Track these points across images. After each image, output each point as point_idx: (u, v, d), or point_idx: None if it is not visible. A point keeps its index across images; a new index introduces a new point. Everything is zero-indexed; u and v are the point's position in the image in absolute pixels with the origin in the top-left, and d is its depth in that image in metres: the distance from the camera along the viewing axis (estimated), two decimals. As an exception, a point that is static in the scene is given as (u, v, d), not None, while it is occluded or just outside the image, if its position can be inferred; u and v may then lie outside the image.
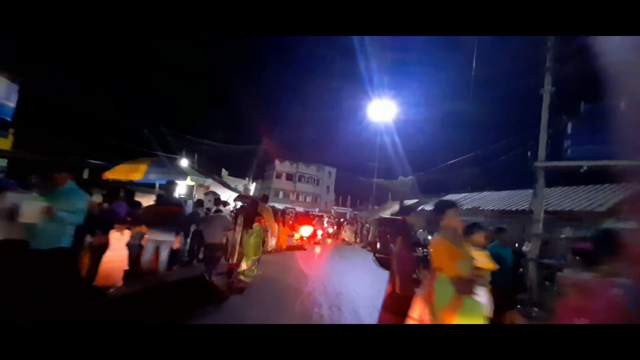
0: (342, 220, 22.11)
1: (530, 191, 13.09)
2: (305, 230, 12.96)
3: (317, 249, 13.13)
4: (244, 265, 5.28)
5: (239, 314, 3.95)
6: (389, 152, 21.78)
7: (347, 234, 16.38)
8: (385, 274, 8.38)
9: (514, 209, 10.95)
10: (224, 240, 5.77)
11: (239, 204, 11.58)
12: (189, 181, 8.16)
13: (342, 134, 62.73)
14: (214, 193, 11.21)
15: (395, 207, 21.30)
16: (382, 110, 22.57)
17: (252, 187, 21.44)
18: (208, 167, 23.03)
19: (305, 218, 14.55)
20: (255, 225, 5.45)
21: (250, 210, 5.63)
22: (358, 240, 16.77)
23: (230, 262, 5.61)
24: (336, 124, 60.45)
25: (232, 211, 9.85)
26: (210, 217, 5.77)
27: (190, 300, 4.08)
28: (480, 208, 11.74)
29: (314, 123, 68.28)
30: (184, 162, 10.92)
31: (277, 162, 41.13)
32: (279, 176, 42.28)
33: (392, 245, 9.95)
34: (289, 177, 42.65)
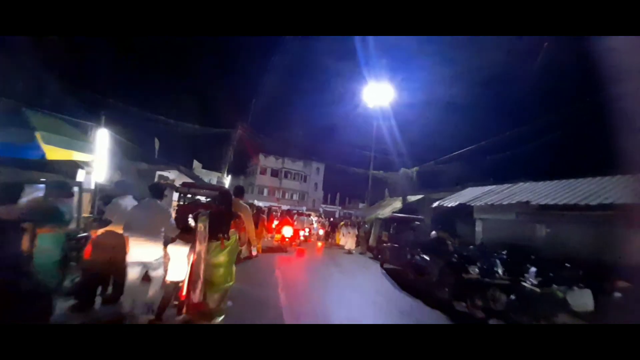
0: (332, 219, 18.87)
1: (580, 180, 10.46)
2: (287, 231, 10.65)
3: (305, 256, 9.93)
4: (210, 302, 3.29)
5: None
6: (386, 141, 18.83)
7: (346, 238, 12.56)
8: (416, 305, 5.19)
9: (571, 202, 8.13)
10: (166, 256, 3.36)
11: (201, 198, 8.31)
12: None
13: (332, 122, 59.12)
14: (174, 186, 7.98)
15: (396, 204, 18.35)
16: (378, 93, 19.64)
17: (228, 180, 18.00)
18: (174, 156, 19.44)
19: (286, 217, 11.87)
20: (232, 232, 3.52)
21: (221, 210, 3.52)
22: (354, 244, 12.94)
23: (187, 297, 3.24)
24: (326, 109, 56.30)
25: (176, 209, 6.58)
26: (142, 206, 3.28)
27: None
28: (531, 202, 8.85)
29: (301, 109, 63.74)
30: (102, 133, 7.18)
31: (261, 156, 38.58)
32: (263, 172, 39.83)
33: (418, 256, 6.86)
34: (274, 173, 40.27)
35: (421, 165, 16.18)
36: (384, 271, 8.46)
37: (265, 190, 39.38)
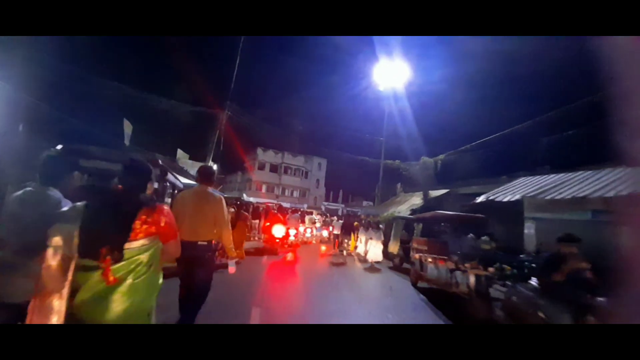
0: (342, 217, 15.74)
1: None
2: (278, 230, 8.83)
3: (303, 273, 7.10)
4: None
5: None
6: (399, 128, 15.97)
7: (371, 245, 8.88)
8: None
9: None
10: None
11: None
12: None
13: (338, 106, 55.48)
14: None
15: (413, 200, 15.50)
16: (391, 73, 16.78)
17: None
18: (152, 143, 16.64)
19: (277, 215, 9.53)
20: (148, 243, 1.44)
21: (124, 197, 1.53)
22: (381, 254, 9.00)
23: None
24: (330, 92, 52.59)
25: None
26: (19, 201, 1.58)
27: None
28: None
29: (301, 92, 59.77)
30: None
31: (259, 150, 36.00)
32: (261, 167, 37.15)
33: (505, 285, 3.92)
34: (273, 168, 37.63)
35: (447, 153, 13.29)
36: (423, 297, 5.63)
37: (264, 187, 36.76)
